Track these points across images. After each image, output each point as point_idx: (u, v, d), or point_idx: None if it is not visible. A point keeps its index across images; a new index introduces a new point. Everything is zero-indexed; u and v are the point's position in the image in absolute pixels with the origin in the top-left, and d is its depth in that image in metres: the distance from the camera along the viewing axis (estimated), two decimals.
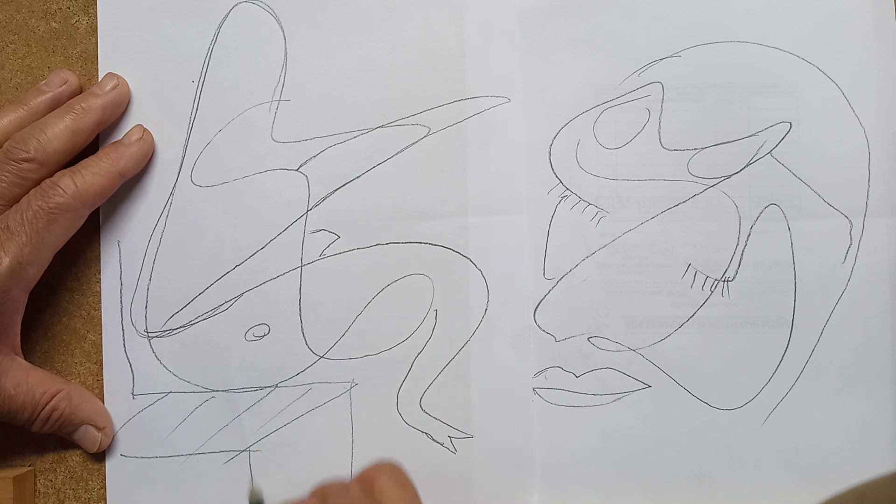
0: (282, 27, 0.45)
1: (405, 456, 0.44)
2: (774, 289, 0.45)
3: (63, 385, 0.43)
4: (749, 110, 0.45)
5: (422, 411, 0.44)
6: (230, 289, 0.45)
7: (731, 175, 0.45)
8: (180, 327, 0.45)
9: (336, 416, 0.44)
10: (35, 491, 0.45)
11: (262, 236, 0.45)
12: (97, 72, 0.45)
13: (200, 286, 0.45)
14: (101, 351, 0.45)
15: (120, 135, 0.45)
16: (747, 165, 0.45)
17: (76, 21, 0.46)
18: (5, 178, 0.40)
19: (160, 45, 0.45)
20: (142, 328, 0.45)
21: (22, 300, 0.41)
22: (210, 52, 0.45)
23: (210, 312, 0.45)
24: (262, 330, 0.45)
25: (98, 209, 0.45)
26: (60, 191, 0.40)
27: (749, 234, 0.45)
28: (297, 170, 0.45)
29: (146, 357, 0.44)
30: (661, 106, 0.45)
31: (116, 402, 0.44)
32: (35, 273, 0.41)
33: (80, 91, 0.44)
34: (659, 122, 0.45)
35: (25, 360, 0.43)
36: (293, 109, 0.45)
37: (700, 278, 0.45)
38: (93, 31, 0.45)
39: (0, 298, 0.39)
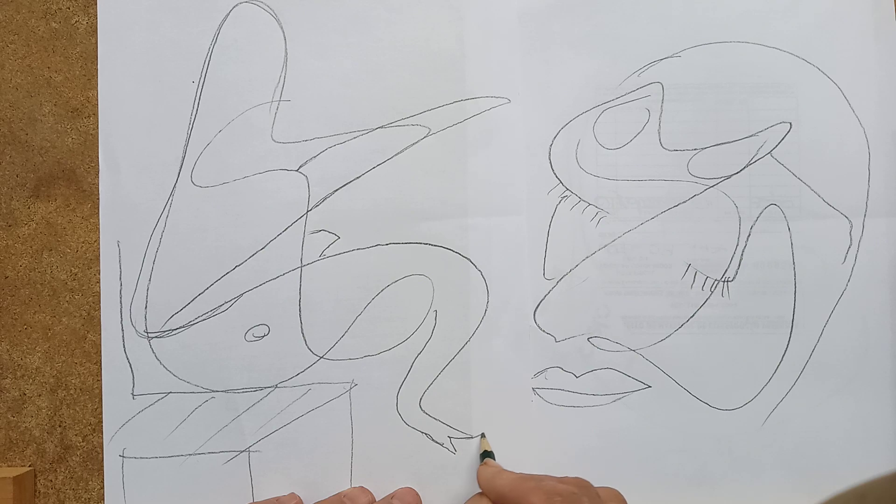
0: (282, 27, 0.45)
1: (405, 456, 0.44)
2: (774, 289, 0.45)
3: None
4: (749, 110, 0.45)
5: (422, 411, 0.44)
6: (230, 289, 0.45)
7: (731, 175, 0.45)
8: (180, 327, 0.45)
9: (336, 416, 0.44)
10: (35, 491, 0.45)
11: (262, 236, 0.45)
12: (97, 72, 0.45)
13: (200, 286, 0.45)
14: (101, 351, 0.45)
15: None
16: (747, 165, 0.45)
17: (76, 21, 0.46)
18: None
19: (160, 45, 0.45)
20: (142, 328, 0.45)
21: None
22: (210, 52, 0.45)
23: (210, 313, 0.45)
24: (262, 330, 0.45)
25: (98, 209, 0.45)
26: None
27: (749, 234, 0.45)
28: (297, 170, 0.45)
29: (146, 357, 0.44)
30: (661, 106, 0.45)
31: (116, 402, 0.44)
32: None
33: None
34: (659, 123, 0.45)
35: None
36: (293, 110, 0.45)
37: (700, 278, 0.45)
38: (93, 31, 0.45)
39: None
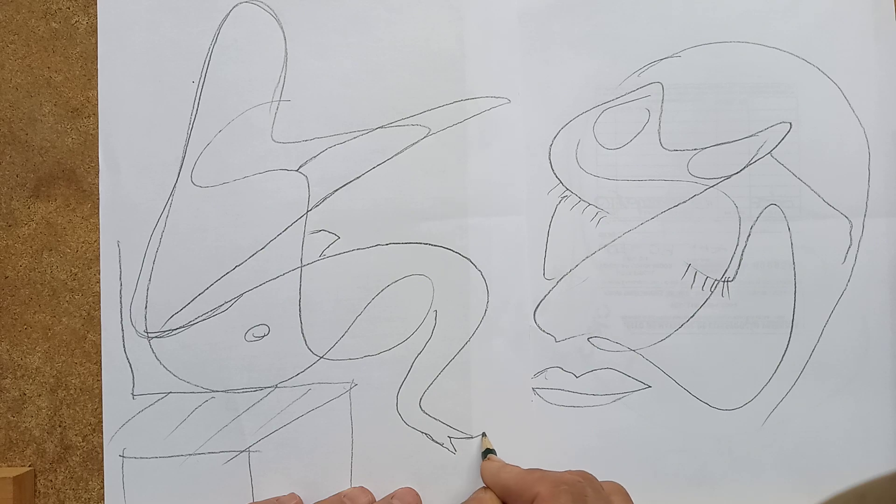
0: (282, 27, 0.45)
1: (405, 456, 0.44)
2: (774, 289, 0.45)
3: None
4: (749, 110, 0.45)
5: (422, 411, 0.44)
6: (230, 289, 0.45)
7: (731, 175, 0.45)
8: (180, 328, 0.45)
9: (336, 416, 0.44)
10: (35, 491, 0.45)
11: (262, 236, 0.45)
12: (97, 72, 0.45)
13: (200, 286, 0.45)
14: (101, 351, 0.45)
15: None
16: (747, 165, 0.45)
17: (76, 21, 0.46)
18: None
19: (160, 45, 0.45)
20: (142, 328, 0.45)
21: None
22: (210, 52, 0.45)
23: (210, 313, 0.45)
24: (262, 330, 0.45)
25: (98, 209, 0.45)
26: None
27: (749, 234, 0.45)
28: (297, 170, 0.45)
29: (146, 357, 0.44)
30: (661, 106, 0.45)
31: (116, 402, 0.44)
32: None
33: None
34: (659, 123, 0.45)
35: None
36: (293, 110, 0.45)
37: (700, 278, 0.45)
38: (93, 31, 0.45)
39: None
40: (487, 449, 0.43)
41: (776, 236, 0.45)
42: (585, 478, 0.38)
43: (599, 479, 0.39)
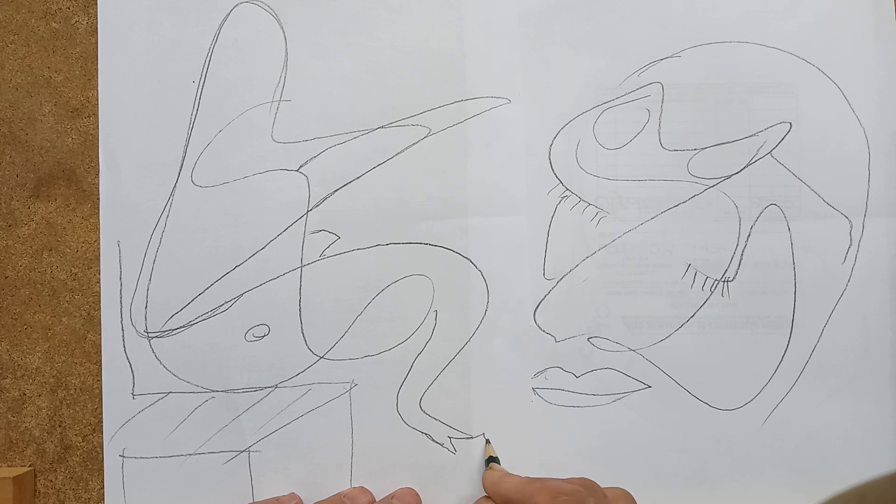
0: (282, 27, 0.45)
1: (405, 456, 0.44)
2: (774, 289, 0.45)
3: None
4: (749, 110, 0.45)
5: (422, 412, 0.44)
6: (230, 289, 0.45)
7: (731, 175, 0.45)
8: (180, 327, 0.45)
9: (336, 416, 0.44)
10: (35, 491, 0.45)
11: (262, 236, 0.45)
12: (97, 72, 0.45)
13: (200, 286, 0.45)
14: (101, 351, 0.45)
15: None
16: (747, 165, 0.45)
17: (76, 21, 0.46)
18: None
19: (160, 45, 0.45)
20: (142, 328, 0.45)
21: None
22: (210, 52, 0.45)
23: (210, 313, 0.45)
24: (262, 330, 0.45)
25: (98, 209, 0.45)
26: None
27: (749, 235, 0.45)
28: (297, 170, 0.45)
29: (146, 357, 0.44)
30: (661, 106, 0.45)
31: (116, 402, 0.44)
32: None
33: None
34: (659, 123, 0.45)
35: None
36: (293, 110, 0.45)
37: (700, 278, 0.45)
38: (93, 31, 0.45)
39: None
40: (490, 457, 0.43)
41: (776, 236, 0.45)
42: (587, 486, 0.37)
43: (602, 482, 0.39)
